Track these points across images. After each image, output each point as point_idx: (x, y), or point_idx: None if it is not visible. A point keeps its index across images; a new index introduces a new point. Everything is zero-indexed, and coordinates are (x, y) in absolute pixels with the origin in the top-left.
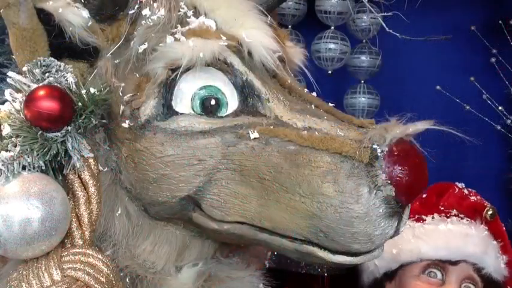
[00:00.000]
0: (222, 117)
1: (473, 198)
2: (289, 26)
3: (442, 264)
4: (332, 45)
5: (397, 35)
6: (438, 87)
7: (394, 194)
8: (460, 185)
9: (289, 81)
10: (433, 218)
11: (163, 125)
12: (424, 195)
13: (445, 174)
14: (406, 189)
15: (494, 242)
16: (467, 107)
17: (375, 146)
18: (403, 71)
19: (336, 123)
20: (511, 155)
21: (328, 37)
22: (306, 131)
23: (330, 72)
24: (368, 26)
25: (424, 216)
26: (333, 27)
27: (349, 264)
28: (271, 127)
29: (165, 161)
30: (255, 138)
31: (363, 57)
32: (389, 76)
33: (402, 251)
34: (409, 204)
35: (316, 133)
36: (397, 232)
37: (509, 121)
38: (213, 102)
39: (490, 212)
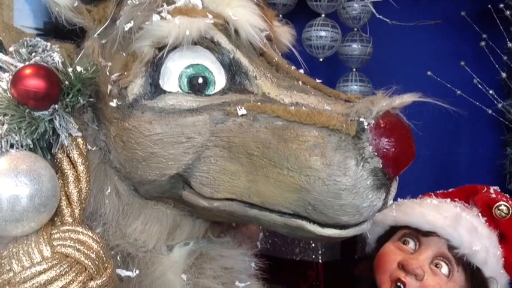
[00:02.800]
0: (209, 95)
1: (494, 195)
2: (280, 16)
3: (416, 234)
4: (323, 33)
5: (387, 20)
6: (429, 72)
7: (381, 165)
8: (493, 187)
9: (276, 59)
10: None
11: (151, 103)
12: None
13: (438, 160)
14: (393, 160)
15: (487, 231)
16: (459, 92)
17: (361, 119)
18: (395, 58)
19: (323, 98)
20: (503, 140)
21: (318, 25)
22: (293, 107)
23: (321, 60)
24: (359, 13)
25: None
26: (323, 15)
27: (338, 237)
28: (259, 103)
29: (153, 139)
30: (242, 114)
31: (354, 45)
32: (381, 63)
33: (380, 214)
34: (397, 177)
35: (304, 108)
36: (385, 205)
37: (500, 105)
38: (200, 80)
39: (502, 208)
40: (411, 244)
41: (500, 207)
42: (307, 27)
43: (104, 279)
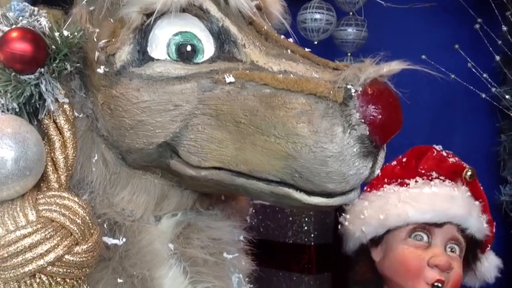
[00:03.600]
0: (198, 63)
1: (452, 160)
2: None
3: (428, 227)
4: (318, 16)
5: (382, 3)
6: (424, 56)
7: (368, 132)
8: (438, 147)
9: (265, 28)
10: (416, 181)
11: (139, 70)
12: (404, 159)
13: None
14: (379, 128)
15: (477, 203)
16: (453, 76)
17: (349, 86)
18: (389, 42)
19: (311, 66)
20: (498, 128)
21: (313, 7)
22: (281, 75)
23: (316, 43)
24: None
25: (407, 180)
26: None
27: (324, 206)
28: (247, 71)
29: (141, 106)
30: (230, 82)
31: (350, 30)
32: (376, 48)
33: (390, 216)
34: (384, 147)
35: (292, 76)
36: (372, 174)
37: (493, 89)
38: (188, 48)
39: (469, 173)
40: (425, 238)
41: (468, 172)
42: (302, 10)
43: (89, 244)
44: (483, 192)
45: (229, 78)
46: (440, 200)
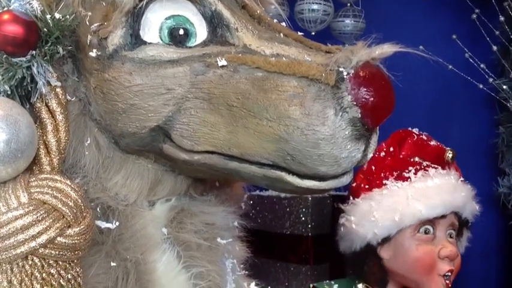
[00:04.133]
0: (190, 47)
1: (432, 143)
2: None
3: (434, 220)
4: (315, 6)
5: None
6: (421, 47)
7: (359, 115)
8: (416, 130)
9: (258, 12)
10: (415, 174)
11: (131, 54)
12: (391, 148)
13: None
14: (371, 110)
15: (469, 186)
16: (450, 67)
17: (341, 69)
18: (387, 33)
19: (303, 49)
20: (496, 120)
21: None
22: (273, 58)
23: (313, 33)
24: None
25: (405, 174)
26: None
27: (317, 189)
28: (240, 55)
29: (133, 90)
30: (223, 66)
31: (347, 21)
32: (373, 39)
33: (404, 216)
34: (377, 130)
35: (284, 59)
36: (365, 157)
37: (491, 80)
38: (181, 32)
39: (450, 155)
40: (431, 231)
41: (449, 154)
42: (299, 0)
43: (81, 227)
44: (459, 169)
45: (222, 62)
46: (445, 193)
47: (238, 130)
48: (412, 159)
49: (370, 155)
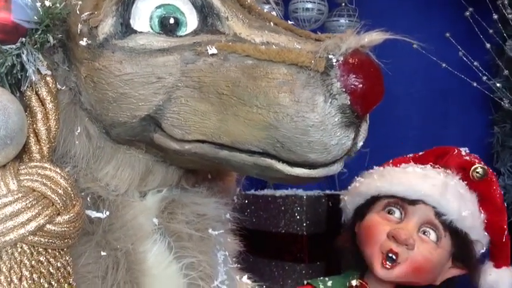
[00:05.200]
0: (181, 36)
1: (466, 158)
2: None
3: (402, 203)
4: (309, 5)
5: None
6: (415, 45)
7: (349, 102)
8: (463, 149)
9: (248, 1)
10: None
11: (122, 43)
12: (420, 155)
13: (427, 140)
14: (360, 97)
15: (471, 195)
16: (444, 65)
17: (330, 56)
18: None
19: (293, 37)
20: (492, 120)
21: None
22: (263, 46)
23: None
24: None
25: (404, 164)
26: None
27: (307, 177)
28: (230, 43)
29: (124, 79)
30: (213, 54)
31: (342, 20)
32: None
33: (363, 184)
34: (367, 119)
35: (274, 47)
36: (355, 146)
37: (484, 78)
38: (171, 21)
39: (479, 173)
40: (397, 214)
41: (477, 170)
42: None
43: (71, 215)
44: (496, 196)
45: (212, 50)
46: (414, 177)
47: (229, 118)
48: (433, 165)
49: (360, 144)
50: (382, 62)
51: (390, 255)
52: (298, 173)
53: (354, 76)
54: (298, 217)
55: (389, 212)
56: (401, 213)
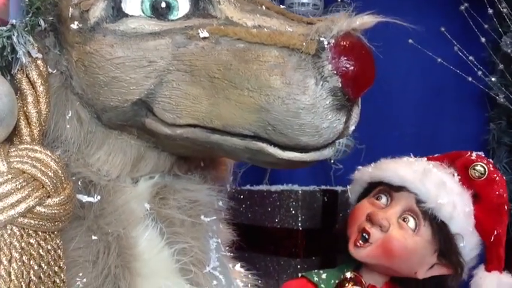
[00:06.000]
0: (172, 20)
1: (473, 157)
2: None
3: (388, 190)
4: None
5: None
6: (410, 40)
7: (340, 84)
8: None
9: None
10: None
11: (113, 26)
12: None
13: (423, 138)
14: (352, 80)
15: (458, 188)
16: (439, 60)
17: (321, 38)
18: (376, 27)
19: (285, 20)
20: (488, 117)
21: None
22: (255, 29)
23: None
24: None
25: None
26: None
27: (299, 161)
28: (221, 27)
29: (115, 63)
30: (204, 37)
31: (337, 15)
32: (363, 32)
33: (360, 171)
34: (359, 103)
35: (265, 30)
36: (347, 129)
37: (480, 73)
38: (163, 5)
39: (477, 171)
40: (383, 199)
41: (476, 168)
42: None
43: (61, 197)
44: (495, 196)
45: (203, 33)
46: (400, 164)
47: (220, 102)
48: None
49: (352, 128)
50: (372, 45)
51: (363, 234)
52: (290, 156)
53: (345, 58)
54: (293, 212)
55: (377, 198)
56: (387, 200)
